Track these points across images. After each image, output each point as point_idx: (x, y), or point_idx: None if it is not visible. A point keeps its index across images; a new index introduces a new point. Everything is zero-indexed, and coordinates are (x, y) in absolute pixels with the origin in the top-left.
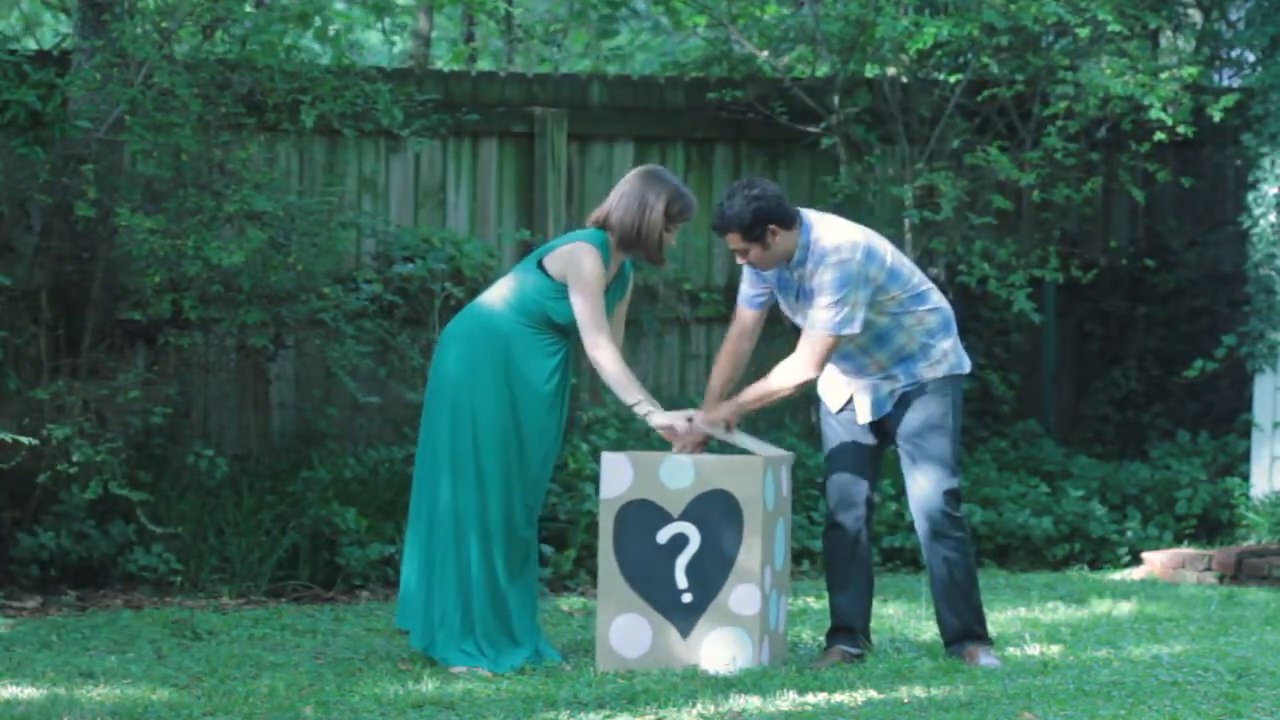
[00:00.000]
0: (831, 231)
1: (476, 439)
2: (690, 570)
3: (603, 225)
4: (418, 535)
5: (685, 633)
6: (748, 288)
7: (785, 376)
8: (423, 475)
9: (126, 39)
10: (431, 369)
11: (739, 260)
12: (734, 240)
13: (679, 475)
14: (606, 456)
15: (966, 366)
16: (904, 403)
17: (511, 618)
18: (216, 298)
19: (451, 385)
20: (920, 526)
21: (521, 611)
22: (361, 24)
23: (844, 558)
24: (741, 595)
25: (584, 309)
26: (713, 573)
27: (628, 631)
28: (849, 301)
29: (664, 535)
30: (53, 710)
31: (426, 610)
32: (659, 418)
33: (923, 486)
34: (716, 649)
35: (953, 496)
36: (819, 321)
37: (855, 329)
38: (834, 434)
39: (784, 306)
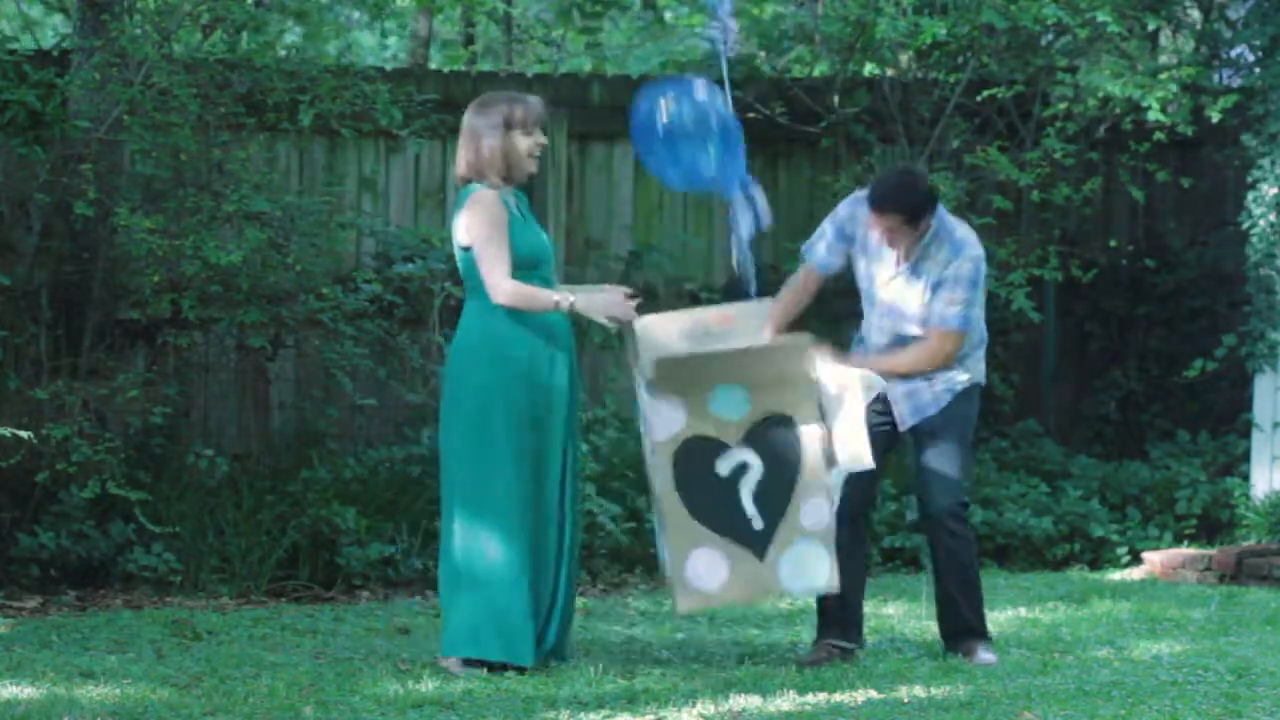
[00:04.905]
0: (957, 222)
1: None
2: (757, 496)
3: (467, 179)
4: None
5: (761, 555)
6: (826, 252)
7: (916, 363)
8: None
9: (126, 39)
10: (447, 385)
11: (884, 235)
12: (893, 220)
13: (732, 407)
14: (652, 402)
15: (983, 379)
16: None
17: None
18: (215, 298)
19: (467, 406)
20: (926, 528)
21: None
22: (339, 30)
23: (842, 548)
24: (811, 509)
25: (480, 256)
26: (779, 493)
27: (704, 565)
28: (974, 300)
29: (725, 466)
30: (53, 710)
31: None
32: (582, 301)
33: (934, 493)
34: (795, 566)
35: (962, 507)
36: (951, 316)
37: (970, 328)
38: None
39: (868, 274)
